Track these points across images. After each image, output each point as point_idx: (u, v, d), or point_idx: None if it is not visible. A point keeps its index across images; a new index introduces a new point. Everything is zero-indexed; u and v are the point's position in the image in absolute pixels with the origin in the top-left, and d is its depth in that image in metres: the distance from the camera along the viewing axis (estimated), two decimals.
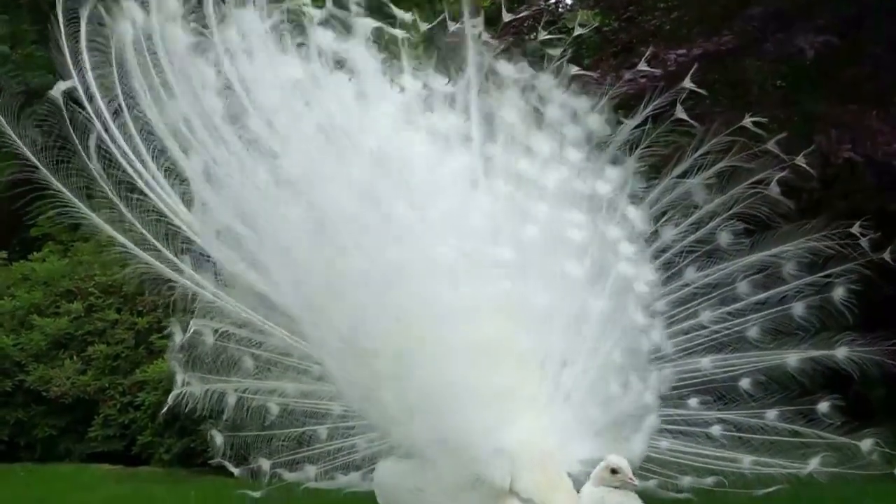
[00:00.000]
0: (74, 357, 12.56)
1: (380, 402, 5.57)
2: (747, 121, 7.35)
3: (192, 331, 7.07)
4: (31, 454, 12.25)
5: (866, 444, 7.32)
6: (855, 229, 7.47)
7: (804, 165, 7.60)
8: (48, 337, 12.65)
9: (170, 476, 10.62)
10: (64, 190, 6.62)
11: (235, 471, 7.60)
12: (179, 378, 7.31)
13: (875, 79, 12.82)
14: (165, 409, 7.55)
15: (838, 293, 7.56)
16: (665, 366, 6.53)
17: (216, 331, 7.10)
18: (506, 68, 6.31)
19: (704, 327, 7.47)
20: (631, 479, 5.09)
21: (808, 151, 7.87)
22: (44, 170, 6.59)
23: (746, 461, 6.81)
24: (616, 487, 5.07)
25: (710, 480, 6.27)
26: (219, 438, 7.56)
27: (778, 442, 7.03)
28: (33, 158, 6.58)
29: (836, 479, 6.75)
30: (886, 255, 7.72)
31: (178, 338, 7.29)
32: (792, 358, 7.45)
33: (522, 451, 5.20)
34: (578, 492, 5.23)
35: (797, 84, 13.26)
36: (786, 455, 6.91)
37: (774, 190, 7.40)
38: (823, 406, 7.55)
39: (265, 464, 7.52)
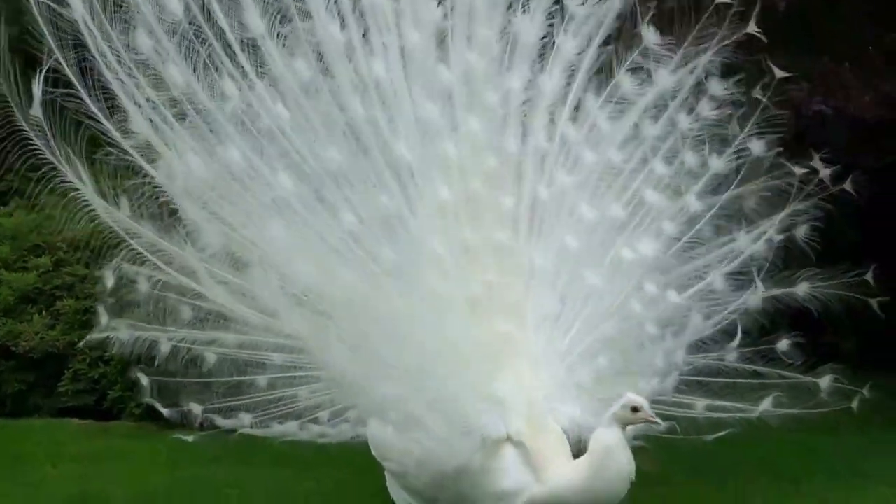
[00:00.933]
0: (43, 312, 12.43)
1: (370, 361, 5.45)
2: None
3: (118, 275, 7.08)
4: (1, 409, 12.16)
5: (825, 381, 7.34)
6: (815, 162, 7.46)
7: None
8: (16, 292, 12.53)
9: (140, 430, 10.58)
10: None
11: (165, 411, 7.58)
12: (103, 321, 7.30)
13: (849, 33, 12.79)
14: (82, 345, 7.69)
15: (801, 231, 7.56)
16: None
17: (151, 278, 7.02)
18: None
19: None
20: (653, 416, 5.07)
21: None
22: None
23: (700, 406, 6.80)
24: (634, 425, 5.07)
25: (663, 427, 6.28)
26: (145, 380, 7.56)
27: (737, 385, 7.04)
28: None
29: (787, 420, 6.74)
30: (847, 186, 7.74)
31: (109, 282, 7.22)
32: (753, 299, 7.47)
33: (513, 398, 5.18)
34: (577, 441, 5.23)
35: (770, 37, 13.18)
36: (740, 398, 6.92)
37: (735, 128, 7.39)
38: (783, 345, 7.58)
39: (196, 408, 7.53)
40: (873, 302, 7.49)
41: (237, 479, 9.12)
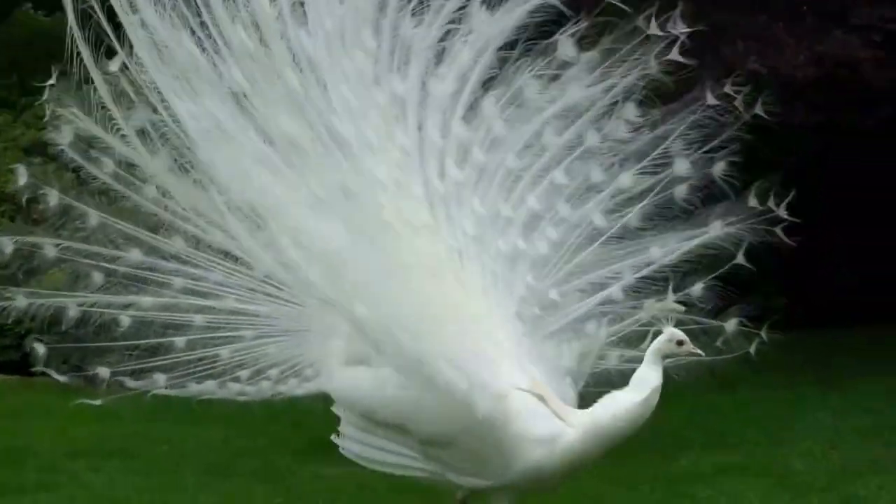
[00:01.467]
0: None
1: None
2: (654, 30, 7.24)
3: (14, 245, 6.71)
4: None
5: (731, 324, 7.36)
6: (728, 88, 7.39)
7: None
8: None
9: (67, 387, 10.42)
10: None
11: (62, 378, 7.26)
12: None
13: None
14: None
15: (718, 168, 7.54)
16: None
17: (58, 245, 6.74)
18: None
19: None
20: (696, 349, 5.09)
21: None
22: None
23: (614, 357, 6.74)
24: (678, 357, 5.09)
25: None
26: (41, 349, 7.19)
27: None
28: None
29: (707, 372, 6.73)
30: (759, 109, 7.65)
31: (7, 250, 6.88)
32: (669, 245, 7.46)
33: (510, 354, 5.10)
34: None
35: None
36: None
37: (654, 67, 7.36)
38: (697, 289, 7.56)
39: (104, 372, 7.26)
40: (778, 229, 7.42)
41: (173, 436, 9.03)
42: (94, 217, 6.70)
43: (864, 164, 17.60)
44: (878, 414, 8.84)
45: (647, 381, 4.93)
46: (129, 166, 6.31)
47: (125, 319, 7.20)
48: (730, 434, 8.44)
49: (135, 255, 7.09)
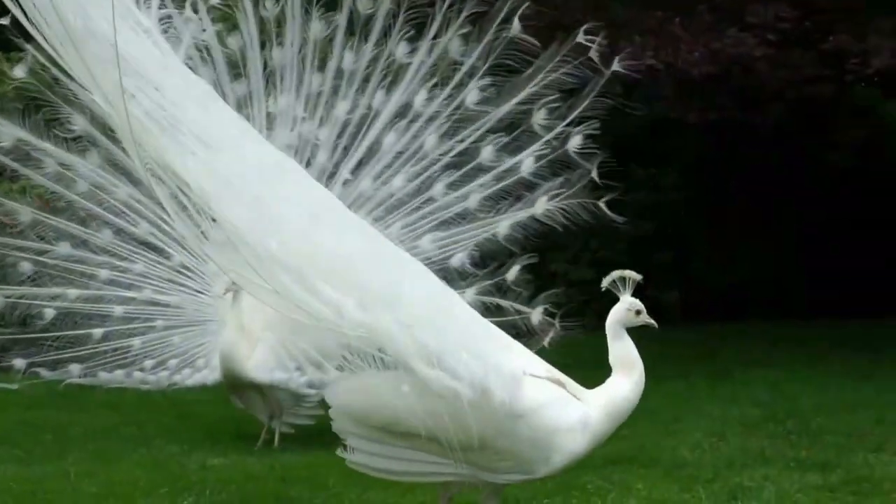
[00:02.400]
0: None
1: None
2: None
3: None
4: None
5: (536, 314, 7.40)
6: (580, 37, 7.42)
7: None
8: None
9: None
10: None
11: None
12: None
13: None
14: None
15: (574, 142, 7.57)
16: None
17: None
18: None
19: (434, 201, 7.62)
20: (650, 319, 5.03)
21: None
22: None
23: None
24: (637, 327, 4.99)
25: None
26: None
27: None
28: None
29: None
30: (617, 65, 7.69)
31: None
32: (503, 224, 7.54)
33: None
34: None
35: None
36: None
37: (517, 27, 7.39)
38: (512, 273, 7.65)
39: (20, 363, 7.69)
40: (602, 203, 7.50)
41: (59, 424, 8.87)
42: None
43: (760, 162, 17.94)
44: (765, 406, 8.99)
45: (631, 359, 4.86)
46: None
47: (49, 312, 7.63)
48: (621, 425, 8.49)
49: (64, 247, 7.59)
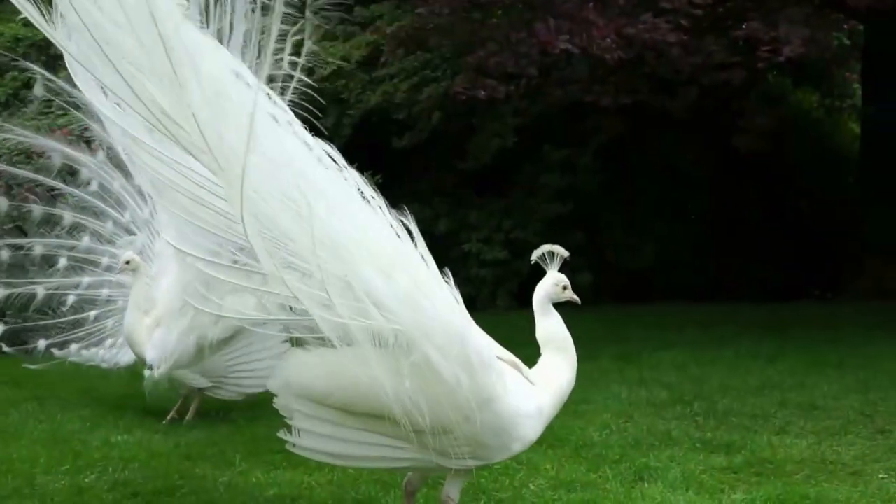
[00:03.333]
0: None
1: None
2: None
3: None
4: None
5: None
6: None
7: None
8: None
9: None
10: None
11: (10, 350, 9.05)
12: None
13: None
14: None
15: None
16: None
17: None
18: None
19: None
20: (574, 295, 4.96)
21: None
22: None
23: None
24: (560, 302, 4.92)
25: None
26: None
27: None
28: None
29: None
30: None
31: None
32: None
33: None
34: None
35: None
36: None
37: None
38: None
39: (42, 344, 8.71)
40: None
41: None
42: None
43: (673, 146, 18.14)
44: (671, 388, 9.07)
45: (563, 338, 4.85)
46: None
47: (71, 299, 8.62)
48: None
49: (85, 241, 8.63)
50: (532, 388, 4.65)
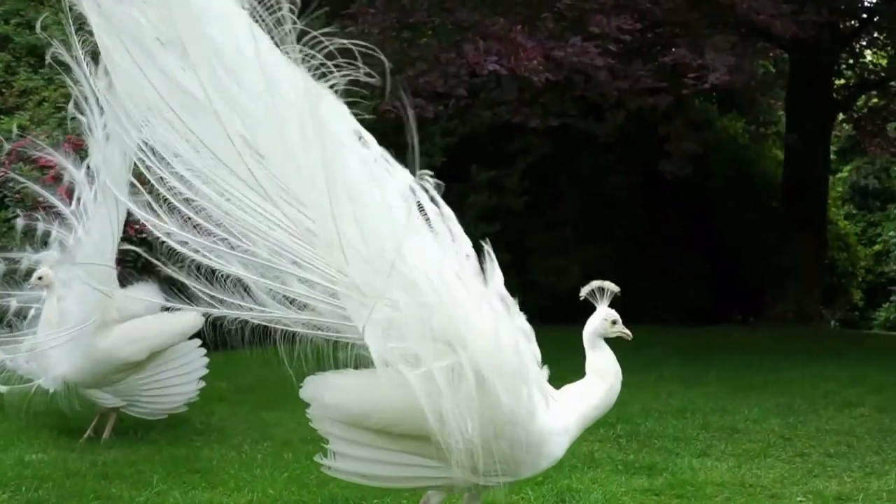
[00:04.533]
0: None
1: None
2: None
3: None
4: None
5: None
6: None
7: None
8: None
9: None
10: None
11: None
12: None
13: None
14: None
15: None
16: None
17: None
18: None
19: None
20: (625, 329, 5.03)
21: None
22: None
23: None
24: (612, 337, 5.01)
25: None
26: None
27: None
28: None
29: None
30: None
31: None
32: None
33: None
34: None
35: None
36: None
37: None
38: None
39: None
40: None
41: None
42: None
43: (599, 169, 18.28)
44: None
45: (606, 368, 4.93)
46: None
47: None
48: None
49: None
50: (561, 406, 4.69)
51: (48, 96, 12.06)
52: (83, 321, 7.29)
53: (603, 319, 4.97)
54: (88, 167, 7.38)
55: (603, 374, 4.92)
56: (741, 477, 6.71)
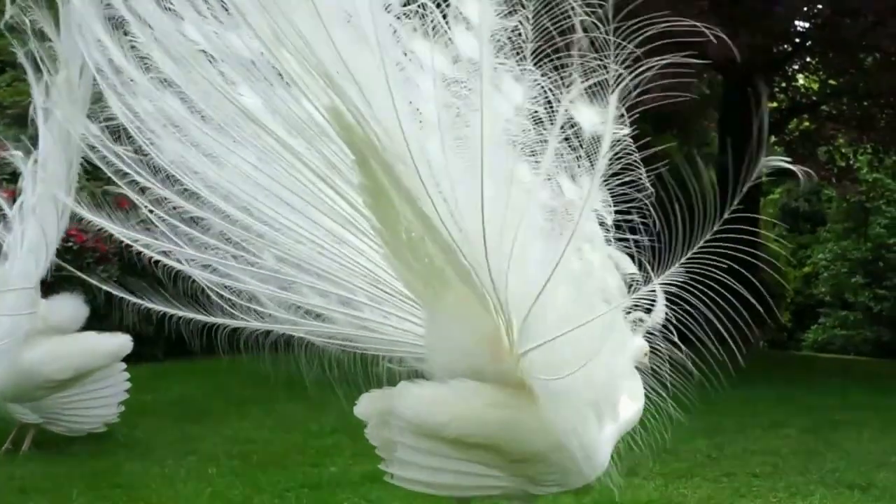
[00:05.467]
0: None
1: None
2: None
3: None
4: None
5: None
6: None
7: None
8: None
9: None
10: None
11: None
12: None
13: None
14: None
15: None
16: None
17: None
18: None
19: None
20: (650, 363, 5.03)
21: None
22: None
23: None
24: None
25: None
26: None
27: None
28: None
29: None
30: None
31: None
32: None
33: None
34: None
35: None
36: None
37: None
38: None
39: None
40: None
41: None
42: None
43: None
44: None
45: (641, 392, 4.96)
46: None
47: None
48: None
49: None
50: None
51: None
52: (11, 332, 7.16)
53: (642, 350, 4.99)
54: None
55: (636, 397, 4.97)
56: (668, 496, 6.73)
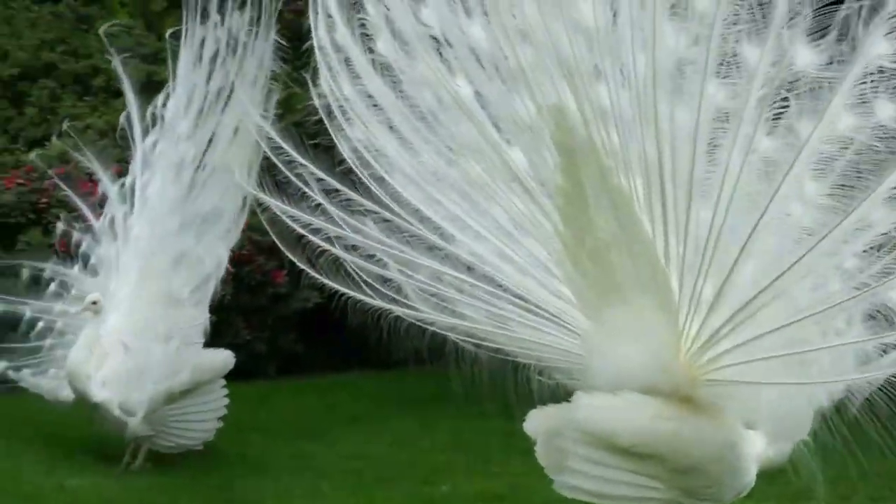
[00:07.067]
0: None
1: None
2: None
3: None
4: None
5: None
6: None
7: None
8: None
9: None
10: None
11: None
12: None
13: None
14: None
15: None
16: None
17: None
18: None
19: None
20: None
21: None
22: None
23: None
24: None
25: None
26: None
27: None
28: None
29: None
30: None
31: None
32: None
33: None
34: None
35: None
36: None
37: None
38: None
39: (1, 365, 8.10)
40: None
41: None
42: None
43: None
44: None
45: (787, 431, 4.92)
46: None
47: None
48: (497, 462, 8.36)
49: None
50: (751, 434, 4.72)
51: (92, 123, 12.07)
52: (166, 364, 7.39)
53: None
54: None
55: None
56: None
